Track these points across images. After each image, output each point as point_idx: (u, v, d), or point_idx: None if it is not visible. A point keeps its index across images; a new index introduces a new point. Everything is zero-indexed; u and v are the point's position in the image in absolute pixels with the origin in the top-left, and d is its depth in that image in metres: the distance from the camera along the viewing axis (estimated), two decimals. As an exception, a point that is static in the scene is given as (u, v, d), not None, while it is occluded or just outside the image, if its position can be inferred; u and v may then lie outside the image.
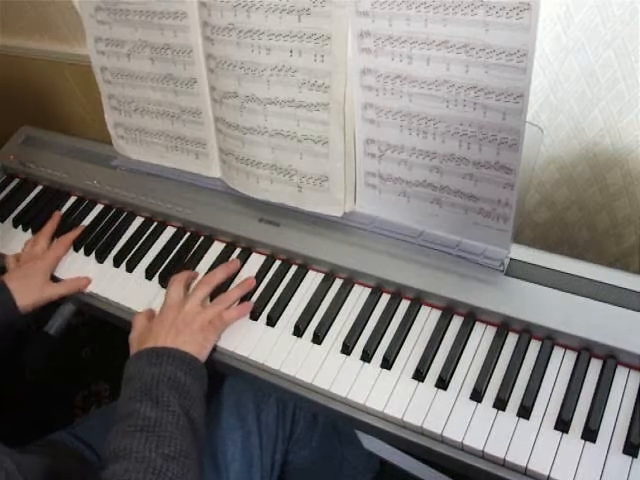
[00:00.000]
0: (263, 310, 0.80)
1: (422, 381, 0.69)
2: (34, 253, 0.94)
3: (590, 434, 0.62)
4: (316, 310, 0.78)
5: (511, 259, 0.74)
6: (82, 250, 0.95)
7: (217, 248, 0.89)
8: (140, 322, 0.80)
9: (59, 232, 0.98)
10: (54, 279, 0.92)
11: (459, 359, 0.70)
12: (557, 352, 0.68)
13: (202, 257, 0.89)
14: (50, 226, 0.98)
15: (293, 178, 0.81)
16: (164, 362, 0.70)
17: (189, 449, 0.64)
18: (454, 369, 0.69)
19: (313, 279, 0.82)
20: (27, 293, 0.87)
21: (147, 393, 0.67)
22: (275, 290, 0.82)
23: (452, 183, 0.72)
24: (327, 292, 0.80)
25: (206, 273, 0.85)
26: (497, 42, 0.60)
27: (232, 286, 0.83)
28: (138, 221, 0.97)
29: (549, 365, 0.68)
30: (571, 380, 0.66)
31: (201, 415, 0.69)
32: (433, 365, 0.70)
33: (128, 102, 0.94)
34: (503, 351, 0.70)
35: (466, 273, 0.74)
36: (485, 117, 0.65)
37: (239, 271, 0.85)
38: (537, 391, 0.66)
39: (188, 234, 0.93)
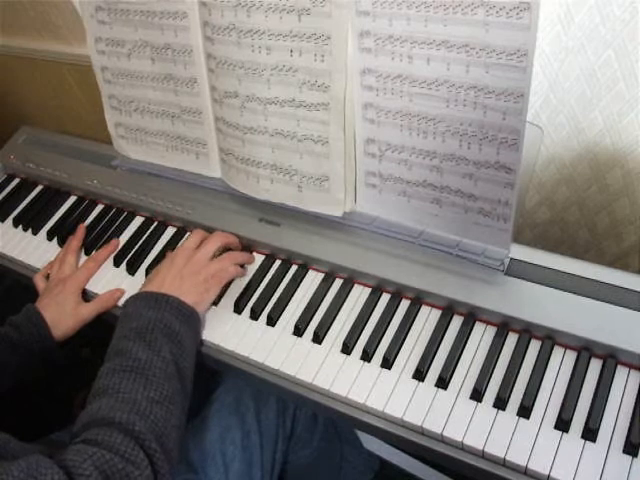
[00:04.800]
0: (263, 310, 0.80)
1: (422, 381, 0.69)
2: (63, 273, 0.89)
3: (590, 433, 0.62)
4: (316, 310, 0.78)
5: (511, 259, 0.74)
6: (82, 250, 0.95)
7: (217, 248, 0.89)
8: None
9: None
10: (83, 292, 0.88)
11: (459, 359, 0.70)
12: (557, 352, 0.68)
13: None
14: (76, 241, 0.94)
15: (293, 178, 0.81)
16: (162, 308, 0.73)
17: (174, 396, 0.66)
18: (454, 369, 0.69)
19: (313, 279, 0.82)
20: (61, 321, 0.83)
21: (141, 335, 0.69)
22: (275, 290, 0.82)
23: (452, 183, 0.72)
24: (327, 292, 0.80)
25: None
26: (497, 42, 0.60)
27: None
28: (138, 221, 0.97)
29: (549, 365, 0.68)
30: (571, 380, 0.66)
31: (190, 366, 0.71)
32: (433, 365, 0.70)
33: (128, 102, 0.94)
34: (503, 351, 0.70)
35: (466, 273, 0.74)
36: (485, 117, 0.65)
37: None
38: (537, 391, 0.66)
39: (188, 234, 0.92)
